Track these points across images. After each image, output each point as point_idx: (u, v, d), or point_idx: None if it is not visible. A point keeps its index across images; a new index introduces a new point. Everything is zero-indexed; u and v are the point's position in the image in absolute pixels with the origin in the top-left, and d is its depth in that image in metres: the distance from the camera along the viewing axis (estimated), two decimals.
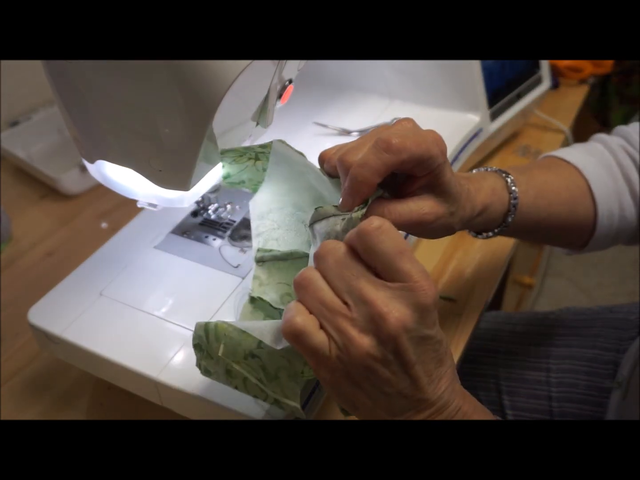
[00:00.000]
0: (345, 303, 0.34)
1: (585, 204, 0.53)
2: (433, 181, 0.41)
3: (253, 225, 0.50)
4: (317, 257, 0.36)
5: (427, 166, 0.39)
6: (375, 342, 0.33)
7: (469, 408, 0.37)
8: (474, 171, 0.52)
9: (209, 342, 0.41)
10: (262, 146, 0.48)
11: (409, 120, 0.42)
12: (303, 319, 0.34)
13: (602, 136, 0.58)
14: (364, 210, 0.39)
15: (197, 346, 0.42)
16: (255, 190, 0.50)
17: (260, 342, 0.39)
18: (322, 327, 0.35)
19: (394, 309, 0.33)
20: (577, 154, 0.55)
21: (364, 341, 0.33)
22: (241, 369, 0.40)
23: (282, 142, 0.45)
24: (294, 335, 0.34)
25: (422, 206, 0.41)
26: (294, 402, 0.40)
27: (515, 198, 0.48)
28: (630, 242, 0.58)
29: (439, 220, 0.42)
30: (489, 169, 0.51)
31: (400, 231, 0.43)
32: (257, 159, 0.48)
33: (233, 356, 0.40)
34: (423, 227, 0.42)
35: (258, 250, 0.49)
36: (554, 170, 0.54)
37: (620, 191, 0.54)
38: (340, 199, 0.39)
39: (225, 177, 0.49)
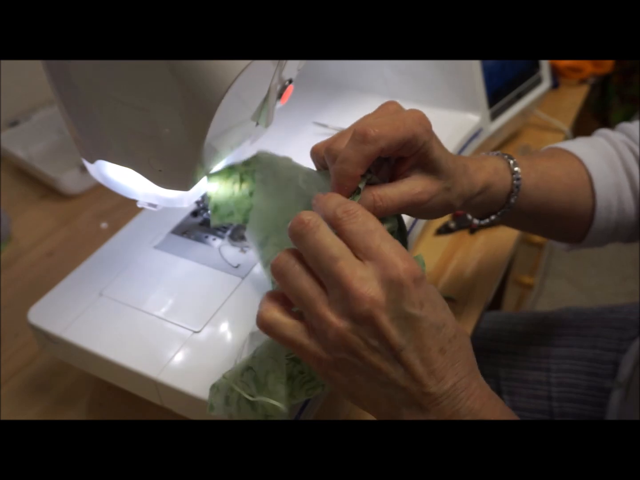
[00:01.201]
0: (324, 286, 0.34)
1: (585, 193, 0.53)
2: (422, 160, 0.41)
3: (258, 255, 0.50)
4: (297, 235, 0.35)
5: (411, 146, 0.39)
6: (353, 324, 0.33)
7: (487, 413, 0.35)
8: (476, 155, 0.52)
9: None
10: (246, 163, 0.48)
11: (392, 103, 0.42)
12: (270, 313, 0.35)
13: (605, 131, 0.58)
14: (359, 197, 0.39)
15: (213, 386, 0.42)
16: (245, 221, 0.50)
17: (254, 350, 0.40)
18: (302, 315, 0.36)
19: (368, 289, 0.33)
20: (579, 146, 0.56)
21: (342, 324, 0.33)
22: (237, 388, 0.40)
23: (265, 152, 0.46)
24: (266, 329, 0.36)
25: (413, 186, 0.41)
26: (278, 403, 0.39)
27: (518, 179, 0.48)
28: (630, 239, 0.58)
29: (434, 198, 0.42)
30: (491, 154, 0.51)
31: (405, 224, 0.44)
32: (242, 180, 0.49)
33: (234, 376, 0.41)
34: (419, 207, 0.42)
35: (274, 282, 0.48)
36: (556, 158, 0.54)
37: (621, 184, 0.54)
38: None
39: (215, 211, 0.49)
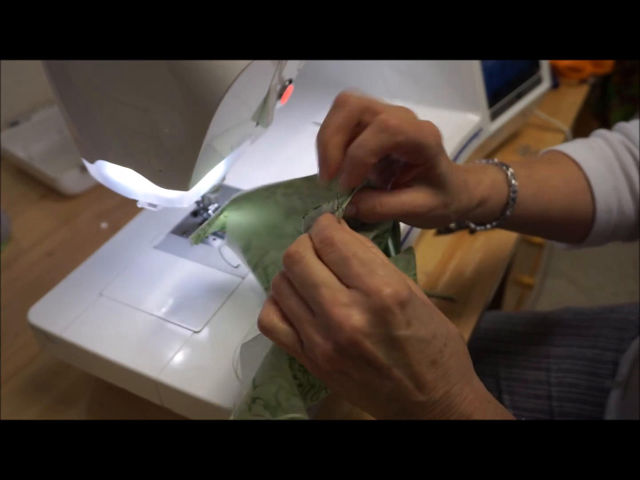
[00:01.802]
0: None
1: (584, 198, 0.53)
2: (428, 172, 0.40)
3: (244, 260, 0.49)
4: (285, 267, 0.36)
5: (422, 155, 0.39)
6: (339, 347, 0.33)
7: (479, 415, 0.35)
8: (476, 162, 0.52)
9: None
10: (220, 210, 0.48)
11: (408, 110, 0.41)
12: (269, 318, 0.36)
13: (602, 132, 0.58)
14: (348, 199, 0.38)
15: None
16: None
17: (253, 380, 0.39)
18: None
19: (350, 317, 0.33)
20: (578, 149, 0.56)
21: (328, 347, 0.34)
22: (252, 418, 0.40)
23: (235, 201, 0.46)
24: (264, 333, 0.37)
25: (415, 198, 0.41)
26: (299, 415, 0.39)
27: (514, 192, 0.48)
28: (629, 238, 0.58)
29: (432, 212, 0.42)
30: (490, 162, 0.51)
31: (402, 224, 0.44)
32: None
33: (243, 413, 0.40)
34: (416, 219, 0.42)
35: (265, 283, 0.48)
36: (554, 164, 0.54)
37: (620, 187, 0.54)
38: (340, 179, 0.39)
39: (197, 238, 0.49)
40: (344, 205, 0.38)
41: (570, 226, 0.54)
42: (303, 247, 0.35)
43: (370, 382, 0.34)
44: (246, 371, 0.41)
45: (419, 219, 0.42)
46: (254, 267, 0.48)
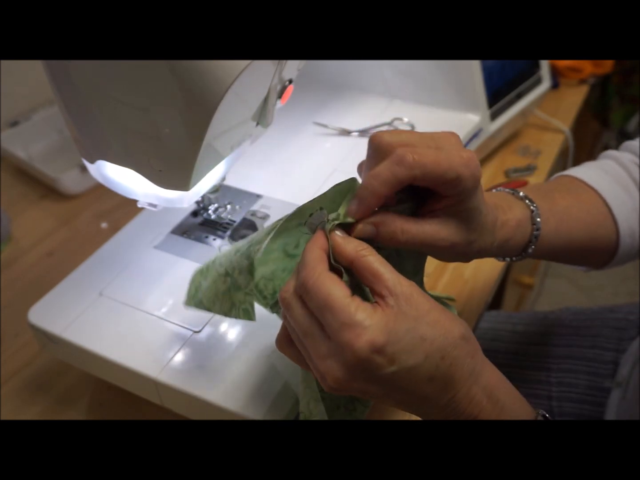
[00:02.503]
0: None
1: (607, 226, 0.52)
2: (458, 205, 0.39)
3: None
4: (282, 305, 0.37)
5: (451, 187, 0.37)
6: (332, 388, 0.35)
7: (485, 416, 0.36)
8: (497, 190, 0.50)
9: None
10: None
11: (454, 135, 0.40)
12: (280, 343, 0.39)
13: (611, 152, 0.57)
14: (334, 223, 0.38)
15: None
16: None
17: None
18: None
19: (330, 369, 0.34)
20: (591, 174, 0.54)
21: (325, 385, 0.36)
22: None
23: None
24: (281, 351, 0.40)
25: (438, 230, 0.39)
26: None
27: (537, 229, 0.47)
28: None
29: (454, 247, 0.40)
30: (514, 193, 0.49)
31: None
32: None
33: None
34: (435, 251, 0.40)
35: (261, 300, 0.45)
36: (573, 193, 0.53)
37: (639, 207, 0.53)
38: (349, 207, 0.38)
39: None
40: (336, 222, 0.37)
41: (593, 254, 0.53)
42: (289, 293, 0.36)
43: (374, 398, 0.36)
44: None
45: (438, 251, 0.40)
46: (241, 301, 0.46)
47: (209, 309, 0.45)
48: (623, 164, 0.55)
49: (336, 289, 0.34)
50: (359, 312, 0.33)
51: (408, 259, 0.43)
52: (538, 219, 0.47)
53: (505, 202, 0.46)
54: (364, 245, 0.36)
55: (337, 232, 0.37)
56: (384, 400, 0.36)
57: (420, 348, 0.34)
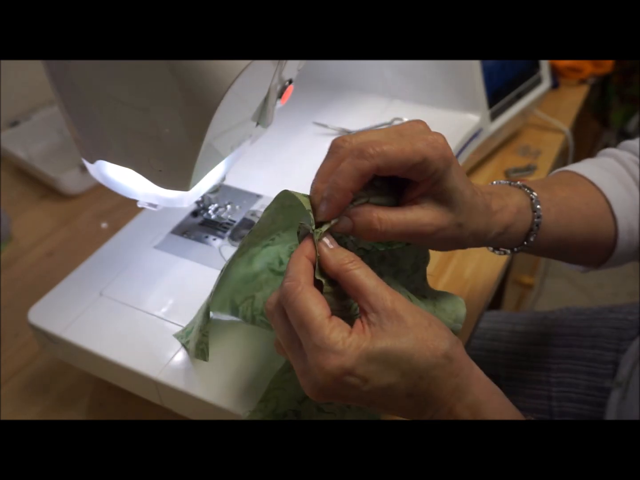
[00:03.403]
0: None
1: (606, 220, 0.52)
2: (435, 188, 0.38)
3: (240, 319, 0.48)
4: (267, 316, 0.38)
5: (421, 171, 0.37)
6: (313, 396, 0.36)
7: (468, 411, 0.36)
8: (494, 183, 0.49)
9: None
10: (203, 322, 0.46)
11: (419, 122, 0.39)
12: (276, 347, 0.39)
13: (611, 150, 0.57)
14: (325, 228, 0.37)
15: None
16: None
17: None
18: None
19: (306, 384, 0.35)
20: (591, 169, 0.54)
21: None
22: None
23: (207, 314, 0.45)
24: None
25: (421, 216, 0.38)
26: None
27: (539, 217, 0.46)
28: None
29: (442, 232, 0.39)
30: (512, 184, 0.48)
31: None
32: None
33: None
34: (424, 239, 0.39)
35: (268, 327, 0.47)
36: (573, 186, 0.52)
37: (639, 205, 0.53)
38: (319, 210, 0.38)
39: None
40: (323, 228, 0.37)
41: (592, 249, 0.53)
42: (272, 305, 0.37)
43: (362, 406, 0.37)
44: None
45: (427, 239, 0.39)
46: (252, 319, 0.47)
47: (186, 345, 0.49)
48: (623, 162, 0.55)
49: (314, 308, 0.34)
50: (333, 334, 0.33)
51: (405, 258, 0.43)
52: (538, 206, 0.46)
53: (502, 190, 0.46)
54: (351, 257, 0.36)
55: (326, 241, 0.37)
56: (370, 410, 0.37)
57: (396, 367, 0.34)
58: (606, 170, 0.54)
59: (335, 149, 0.37)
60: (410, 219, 0.38)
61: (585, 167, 0.54)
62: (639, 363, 0.59)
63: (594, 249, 0.53)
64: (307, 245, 0.37)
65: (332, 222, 0.37)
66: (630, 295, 1.72)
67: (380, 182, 0.38)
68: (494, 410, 0.36)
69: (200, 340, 0.45)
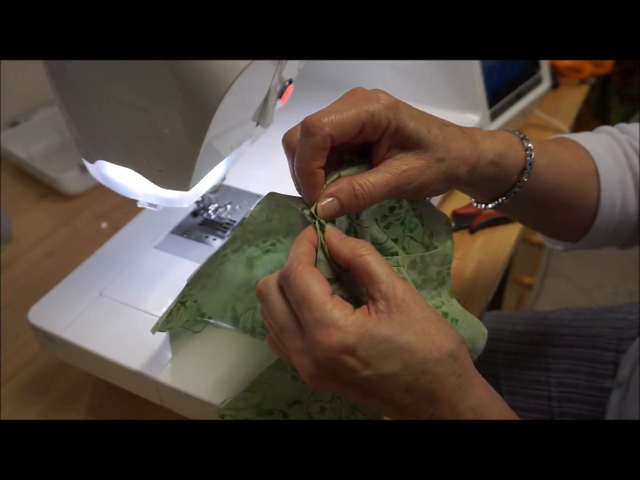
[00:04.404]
0: None
1: (592, 184, 0.51)
2: (397, 138, 0.38)
3: (240, 329, 0.48)
4: (258, 297, 0.37)
5: (374, 127, 0.37)
6: (309, 382, 0.35)
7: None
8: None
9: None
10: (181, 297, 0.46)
11: (358, 89, 0.40)
12: (269, 335, 0.38)
13: (607, 128, 0.56)
14: (318, 221, 0.37)
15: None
16: (202, 316, 0.49)
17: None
18: None
19: (304, 365, 0.34)
20: (585, 138, 0.54)
21: (303, 377, 0.36)
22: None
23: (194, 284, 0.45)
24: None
25: (396, 166, 0.38)
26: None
27: (531, 156, 0.45)
28: (626, 244, 0.56)
29: (426, 172, 0.39)
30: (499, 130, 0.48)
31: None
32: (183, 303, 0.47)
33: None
34: (414, 187, 0.39)
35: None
36: (564, 145, 0.52)
37: (626, 182, 0.52)
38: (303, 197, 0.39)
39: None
40: (310, 211, 0.38)
41: (575, 212, 0.52)
42: (266, 286, 0.36)
43: (358, 402, 0.36)
44: None
45: (416, 186, 0.39)
46: (252, 330, 0.47)
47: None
48: (617, 138, 0.54)
49: (316, 286, 0.34)
50: (335, 311, 0.33)
51: (433, 264, 0.42)
52: (530, 145, 0.46)
53: (489, 131, 0.46)
54: (362, 243, 0.36)
55: (333, 232, 0.37)
56: (365, 404, 0.36)
57: (398, 357, 0.33)
58: (599, 142, 0.53)
59: (310, 128, 0.38)
60: (388, 172, 0.38)
61: (580, 136, 0.54)
62: (639, 363, 0.59)
63: (577, 212, 0.52)
64: (309, 230, 0.37)
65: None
66: (630, 295, 1.72)
67: (349, 155, 0.39)
68: (498, 414, 0.36)
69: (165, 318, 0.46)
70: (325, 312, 0.33)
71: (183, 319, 0.48)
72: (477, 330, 0.42)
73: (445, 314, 0.41)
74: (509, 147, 0.44)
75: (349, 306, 0.34)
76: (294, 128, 0.39)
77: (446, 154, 0.39)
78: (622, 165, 0.53)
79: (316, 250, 0.36)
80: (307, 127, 0.36)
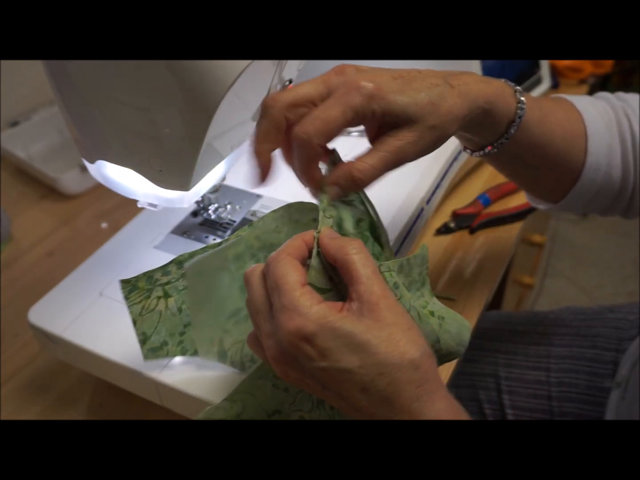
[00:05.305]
0: None
1: (579, 144, 0.51)
2: (386, 119, 0.39)
3: (227, 364, 0.47)
4: (244, 282, 0.38)
5: (363, 118, 0.38)
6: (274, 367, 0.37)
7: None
8: None
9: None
10: (164, 271, 0.45)
11: (339, 69, 0.40)
12: (250, 333, 0.40)
13: (605, 94, 0.56)
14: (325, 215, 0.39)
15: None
16: (183, 353, 0.47)
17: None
18: None
19: (269, 347, 0.36)
20: (581, 100, 0.54)
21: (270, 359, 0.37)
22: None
23: (190, 255, 0.44)
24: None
25: (392, 143, 0.39)
26: None
27: (522, 108, 0.45)
28: (607, 211, 0.56)
29: (420, 143, 0.40)
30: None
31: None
32: (166, 295, 0.46)
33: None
34: (410, 158, 0.40)
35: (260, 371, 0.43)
36: (558, 103, 0.52)
37: (613, 148, 0.52)
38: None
39: (144, 342, 0.46)
40: (325, 211, 0.39)
41: (560, 170, 0.52)
42: (252, 271, 0.38)
43: (319, 396, 0.37)
44: None
45: (413, 155, 0.40)
46: (241, 365, 0.46)
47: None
48: (613, 105, 0.54)
49: (291, 274, 0.35)
50: (302, 299, 0.34)
51: (415, 265, 0.42)
52: (522, 98, 0.46)
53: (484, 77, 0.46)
54: (354, 243, 0.36)
55: (327, 233, 0.38)
56: (325, 399, 0.36)
57: (356, 354, 0.33)
58: (594, 106, 0.53)
59: (266, 109, 0.39)
60: (384, 150, 0.39)
61: (575, 98, 0.54)
62: (638, 363, 0.59)
63: (563, 170, 0.52)
64: (308, 232, 0.38)
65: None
66: (630, 295, 1.72)
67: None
68: None
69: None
70: (292, 298, 0.34)
71: (161, 325, 0.46)
72: (462, 325, 0.43)
73: (432, 313, 0.42)
74: (501, 96, 0.44)
75: (319, 297, 0.35)
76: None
77: (437, 121, 0.40)
78: (612, 132, 0.52)
79: (310, 253, 0.37)
80: (297, 140, 0.38)
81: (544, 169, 0.52)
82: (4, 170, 0.90)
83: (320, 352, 0.33)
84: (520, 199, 0.75)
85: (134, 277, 0.45)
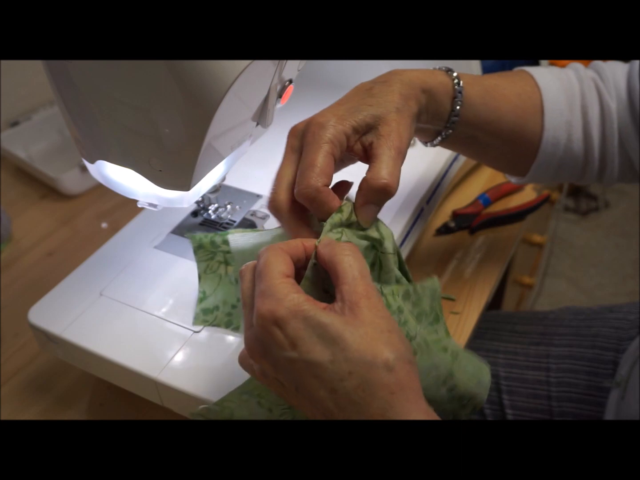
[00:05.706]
0: None
1: (535, 121, 0.51)
2: (360, 129, 0.43)
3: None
4: (239, 278, 0.39)
5: (343, 148, 0.42)
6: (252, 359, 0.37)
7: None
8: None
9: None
10: (224, 240, 0.46)
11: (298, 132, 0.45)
12: (241, 351, 0.39)
13: (577, 65, 0.56)
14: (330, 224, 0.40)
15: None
16: (228, 325, 0.48)
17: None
18: None
19: (247, 338, 0.35)
20: (545, 74, 0.53)
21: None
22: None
23: (238, 233, 0.44)
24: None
25: (384, 140, 0.41)
26: None
27: (458, 84, 0.47)
28: (580, 180, 0.56)
29: (404, 133, 0.43)
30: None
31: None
32: (226, 263, 0.47)
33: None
34: (405, 138, 0.43)
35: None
36: (508, 78, 0.52)
37: (573, 123, 0.52)
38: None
39: (201, 300, 0.47)
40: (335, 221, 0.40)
41: (518, 146, 0.52)
42: (247, 267, 0.38)
43: (286, 397, 0.36)
44: None
45: (407, 144, 0.43)
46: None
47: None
48: (581, 77, 0.53)
49: (276, 263, 0.35)
50: (281, 286, 0.34)
51: (425, 296, 0.42)
52: (455, 74, 0.48)
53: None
54: (347, 246, 0.36)
55: (325, 241, 0.38)
56: (298, 407, 0.36)
57: (328, 347, 0.32)
58: (559, 80, 0.53)
59: (277, 217, 0.44)
60: (386, 149, 0.41)
61: (539, 71, 0.54)
62: (638, 363, 0.59)
63: (520, 147, 0.52)
64: (309, 240, 0.39)
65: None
66: (630, 295, 1.72)
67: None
68: None
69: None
70: (270, 285, 0.34)
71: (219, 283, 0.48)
72: (479, 367, 0.42)
73: (445, 349, 0.41)
74: (432, 75, 0.47)
75: (299, 289, 0.34)
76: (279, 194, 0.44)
77: (398, 103, 0.43)
78: (573, 106, 0.52)
79: (306, 259, 0.38)
80: (309, 198, 0.40)
81: (499, 144, 0.52)
82: (4, 170, 0.90)
83: (291, 341, 0.32)
84: (520, 199, 0.75)
85: (200, 235, 0.46)
